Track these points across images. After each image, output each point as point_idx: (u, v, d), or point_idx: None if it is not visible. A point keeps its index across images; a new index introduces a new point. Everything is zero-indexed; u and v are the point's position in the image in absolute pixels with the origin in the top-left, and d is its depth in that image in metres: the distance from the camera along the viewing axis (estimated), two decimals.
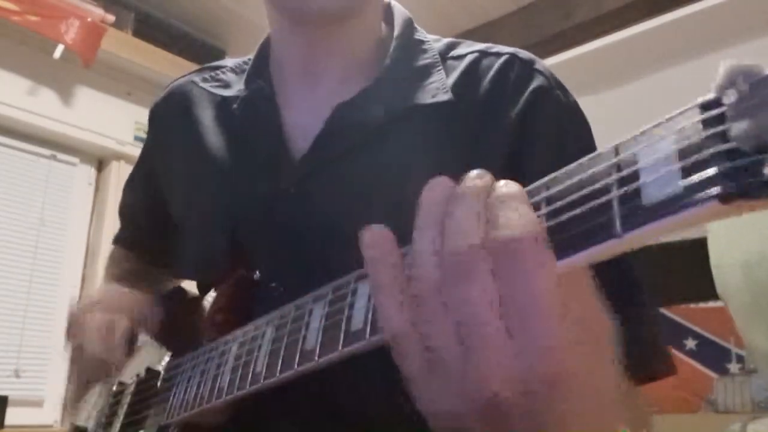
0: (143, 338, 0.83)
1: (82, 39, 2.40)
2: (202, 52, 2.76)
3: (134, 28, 2.67)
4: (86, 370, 0.73)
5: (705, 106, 0.24)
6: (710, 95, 0.24)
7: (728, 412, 2.48)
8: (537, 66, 0.65)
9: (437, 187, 0.34)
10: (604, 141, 0.33)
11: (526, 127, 0.62)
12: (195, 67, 0.84)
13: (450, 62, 0.68)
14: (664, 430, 2.49)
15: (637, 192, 0.25)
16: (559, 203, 0.29)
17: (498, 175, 0.33)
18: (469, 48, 0.69)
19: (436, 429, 0.35)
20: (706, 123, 0.23)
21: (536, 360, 0.29)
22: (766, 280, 1.05)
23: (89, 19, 2.43)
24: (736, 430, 1.21)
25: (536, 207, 0.30)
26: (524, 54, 0.67)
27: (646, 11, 2.53)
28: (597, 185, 0.27)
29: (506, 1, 2.76)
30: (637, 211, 0.25)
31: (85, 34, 2.40)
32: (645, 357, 0.55)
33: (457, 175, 0.62)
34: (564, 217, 0.28)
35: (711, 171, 0.22)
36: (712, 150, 0.23)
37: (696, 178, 0.23)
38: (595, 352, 0.32)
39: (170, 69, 2.44)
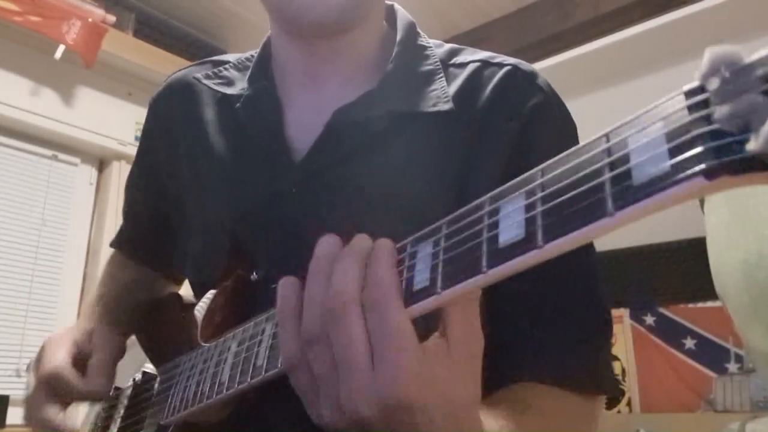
0: (132, 340, 0.83)
1: (83, 39, 2.40)
2: (202, 52, 2.76)
3: (135, 28, 2.68)
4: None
5: (690, 93, 0.25)
6: (695, 82, 0.25)
7: (727, 411, 2.49)
8: (538, 81, 0.66)
9: (326, 244, 0.42)
10: None
11: (525, 141, 0.62)
12: None
13: (452, 70, 0.68)
14: (664, 429, 2.50)
15: (627, 173, 0.26)
16: (553, 188, 0.30)
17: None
18: (471, 56, 0.69)
19: None
20: (691, 108, 0.25)
21: (391, 386, 0.36)
22: (765, 281, 1.05)
23: (90, 20, 2.44)
24: (735, 430, 1.21)
25: (531, 193, 0.31)
26: (526, 66, 0.67)
27: (645, 12, 2.54)
28: (589, 169, 0.28)
29: (506, 1, 2.77)
30: (628, 190, 0.26)
31: (86, 35, 2.41)
32: (594, 373, 0.60)
33: (455, 185, 0.65)
34: (559, 200, 0.30)
35: (696, 150, 0.24)
36: (697, 131, 0.24)
37: (682, 157, 0.24)
38: (457, 375, 0.39)
39: (170, 69, 2.40)
